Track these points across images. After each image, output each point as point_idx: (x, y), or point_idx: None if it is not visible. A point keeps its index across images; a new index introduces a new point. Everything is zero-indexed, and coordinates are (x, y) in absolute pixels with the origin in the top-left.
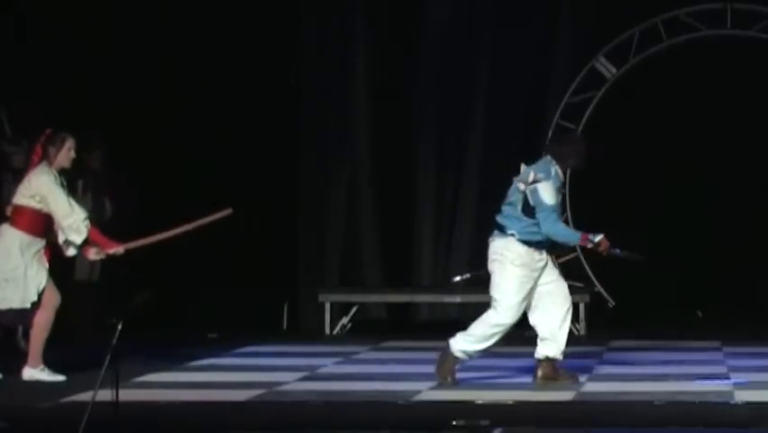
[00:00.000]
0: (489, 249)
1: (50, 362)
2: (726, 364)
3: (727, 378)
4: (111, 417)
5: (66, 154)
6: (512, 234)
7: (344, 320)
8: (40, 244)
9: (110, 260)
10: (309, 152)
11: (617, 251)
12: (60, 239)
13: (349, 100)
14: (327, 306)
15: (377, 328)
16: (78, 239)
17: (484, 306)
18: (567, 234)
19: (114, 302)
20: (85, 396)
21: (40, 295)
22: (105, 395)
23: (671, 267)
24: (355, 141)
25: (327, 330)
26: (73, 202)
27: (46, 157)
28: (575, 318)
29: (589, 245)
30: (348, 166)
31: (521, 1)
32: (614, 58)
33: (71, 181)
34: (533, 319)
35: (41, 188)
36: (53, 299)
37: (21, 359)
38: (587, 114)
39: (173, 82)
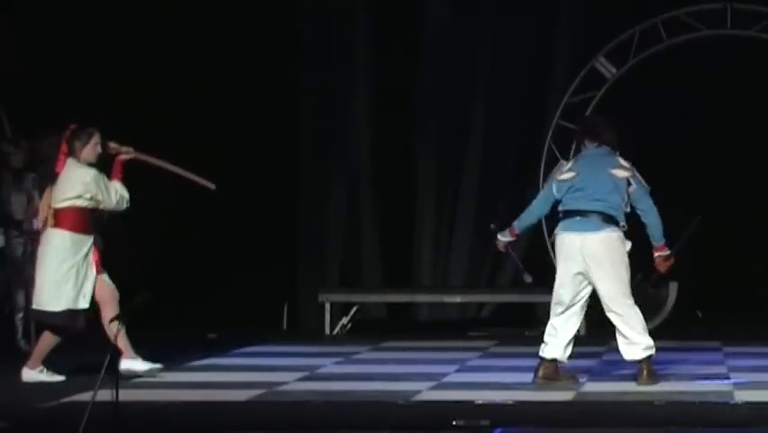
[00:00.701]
0: (594, 241)
1: (50, 362)
2: (726, 364)
3: (727, 378)
4: (111, 417)
5: (92, 149)
6: (623, 227)
7: (344, 320)
8: (89, 241)
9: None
10: (309, 152)
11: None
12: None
13: (349, 100)
14: (327, 306)
15: (377, 328)
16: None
17: (482, 306)
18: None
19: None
20: (85, 396)
21: (91, 297)
22: (105, 395)
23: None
24: (355, 141)
25: (327, 330)
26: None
27: (72, 152)
28: None
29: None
30: (348, 166)
31: (521, 2)
32: (614, 58)
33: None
34: (564, 319)
35: (93, 184)
36: (113, 293)
37: (21, 359)
38: (587, 114)
39: (173, 86)
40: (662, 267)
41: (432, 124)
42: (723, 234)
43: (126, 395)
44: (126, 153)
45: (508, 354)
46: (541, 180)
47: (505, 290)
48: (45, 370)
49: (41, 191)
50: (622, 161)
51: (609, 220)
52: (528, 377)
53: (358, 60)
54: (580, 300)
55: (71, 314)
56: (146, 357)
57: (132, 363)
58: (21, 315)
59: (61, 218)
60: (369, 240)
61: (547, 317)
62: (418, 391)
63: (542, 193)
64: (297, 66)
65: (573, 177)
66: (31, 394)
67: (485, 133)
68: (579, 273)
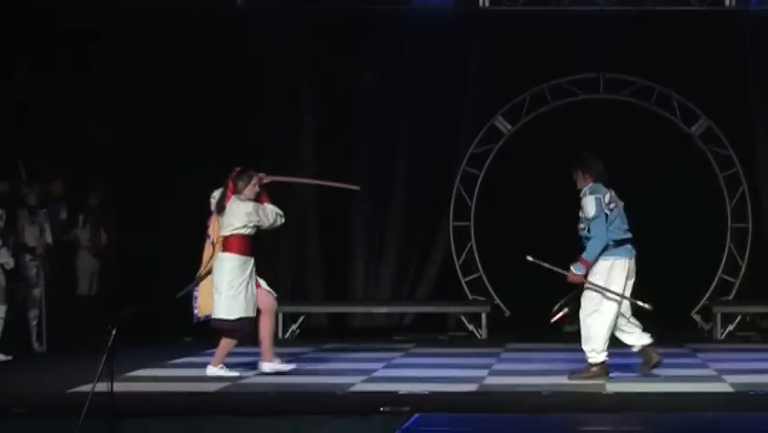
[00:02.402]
0: (630, 265)
1: (58, 359)
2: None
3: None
4: (107, 404)
5: (252, 188)
6: None
7: (294, 327)
8: (251, 262)
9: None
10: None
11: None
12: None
13: (298, 157)
14: (280, 315)
15: (320, 334)
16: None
17: (404, 315)
18: None
19: (110, 312)
20: (86, 387)
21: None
22: (102, 387)
23: (559, 283)
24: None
25: (280, 335)
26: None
27: (236, 190)
28: (478, 325)
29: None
30: (298, 206)
31: (436, 72)
32: (509, 117)
33: (75, 216)
34: (626, 320)
35: (253, 214)
36: (273, 304)
37: (33, 358)
38: (488, 162)
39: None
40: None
41: (365, 167)
42: None
43: (120, 387)
44: (265, 179)
45: (425, 354)
46: (451, 212)
47: (423, 302)
48: (224, 367)
49: (52, 223)
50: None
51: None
52: (442, 372)
53: (306, 119)
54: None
55: (243, 321)
56: (139, 356)
57: (276, 366)
58: (35, 322)
59: (230, 244)
60: (313, 262)
61: (457, 326)
62: (353, 384)
63: (600, 226)
64: (258, 127)
65: (614, 208)
66: (41, 385)
67: (406, 176)
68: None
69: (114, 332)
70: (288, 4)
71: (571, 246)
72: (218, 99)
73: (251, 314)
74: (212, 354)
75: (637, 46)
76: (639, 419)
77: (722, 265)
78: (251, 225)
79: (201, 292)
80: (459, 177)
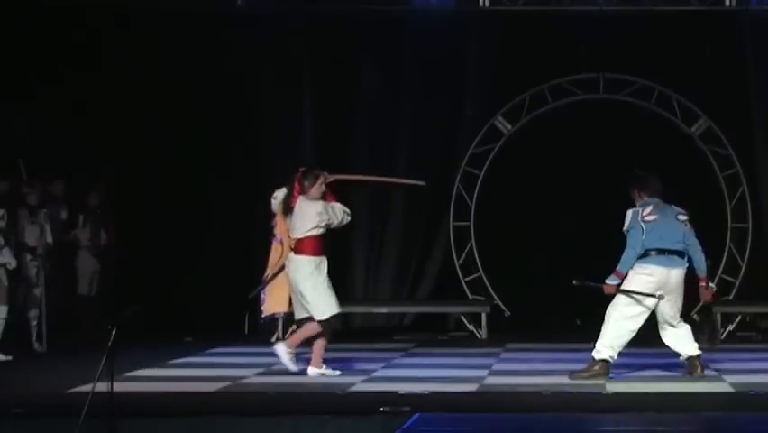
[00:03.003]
0: (673, 276)
1: (58, 359)
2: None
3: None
4: (107, 404)
5: (318, 187)
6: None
7: (293, 327)
8: (325, 260)
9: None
10: (265, 198)
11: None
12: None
13: (298, 144)
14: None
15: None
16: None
17: (404, 315)
18: None
19: (110, 313)
20: (86, 387)
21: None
22: (102, 386)
23: (561, 282)
24: None
25: (280, 335)
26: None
27: (303, 191)
28: (478, 325)
29: None
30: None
31: (436, 72)
32: (509, 117)
33: (75, 216)
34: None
35: (324, 213)
36: None
37: (33, 358)
38: (488, 162)
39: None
40: (706, 297)
41: (365, 169)
42: (600, 255)
43: (120, 387)
44: (329, 178)
45: (425, 354)
46: (451, 212)
47: (422, 302)
48: (326, 367)
49: (52, 223)
50: (681, 209)
51: (683, 257)
52: (442, 372)
53: (307, 119)
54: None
55: (333, 319)
56: (139, 356)
57: (323, 370)
58: (35, 322)
59: (304, 246)
60: None
61: (457, 326)
62: (353, 384)
63: (632, 237)
64: (258, 127)
65: (652, 220)
66: (41, 385)
67: (406, 176)
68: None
69: (114, 332)
70: (288, 4)
71: (571, 246)
72: (218, 99)
73: (338, 309)
74: (212, 354)
75: (637, 46)
76: (639, 419)
77: (722, 265)
78: (323, 224)
79: (268, 292)
80: (459, 177)
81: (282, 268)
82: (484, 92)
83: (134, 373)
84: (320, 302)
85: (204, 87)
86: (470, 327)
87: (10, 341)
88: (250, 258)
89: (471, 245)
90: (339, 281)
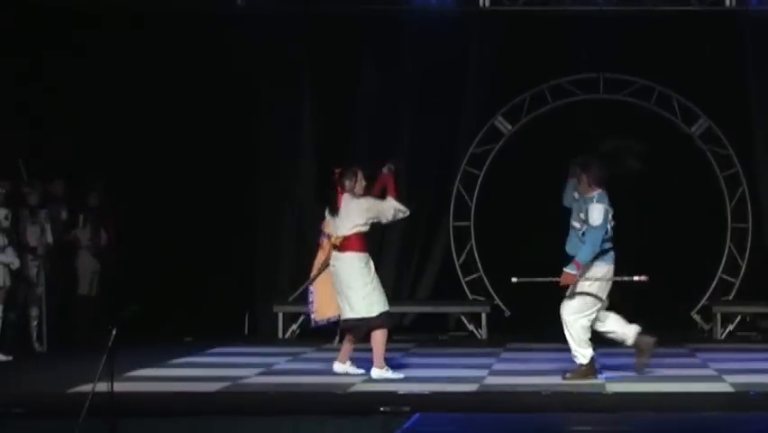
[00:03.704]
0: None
1: (58, 359)
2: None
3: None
4: (107, 404)
5: (359, 183)
6: None
7: (294, 327)
8: (370, 257)
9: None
10: (265, 198)
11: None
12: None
13: (298, 144)
14: (280, 315)
15: (320, 334)
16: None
17: (404, 315)
18: None
19: (110, 312)
20: (86, 387)
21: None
22: (102, 386)
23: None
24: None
25: (280, 335)
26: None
27: (344, 189)
28: (478, 325)
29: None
30: (296, 208)
31: (436, 72)
32: (509, 117)
33: (76, 216)
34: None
35: (371, 209)
36: None
37: (33, 358)
38: (488, 162)
39: (156, 142)
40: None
41: (363, 169)
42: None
43: (120, 387)
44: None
45: (425, 354)
46: (451, 212)
47: (423, 302)
48: (389, 368)
49: (52, 223)
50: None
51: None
52: (442, 372)
53: (306, 118)
54: None
55: (386, 315)
56: (139, 356)
57: (347, 368)
58: (35, 322)
59: (351, 243)
60: (312, 263)
61: (457, 326)
62: (353, 384)
63: (598, 236)
64: (259, 127)
65: (610, 217)
66: (41, 385)
67: (408, 177)
68: None
69: (114, 332)
70: (288, 4)
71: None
72: (218, 99)
73: (387, 308)
74: (212, 354)
75: (637, 46)
76: (639, 419)
77: (722, 265)
78: (370, 221)
79: (318, 296)
80: (459, 177)
81: (326, 266)
82: (484, 92)
83: (134, 373)
84: (371, 299)
85: (204, 86)
86: (470, 327)
87: (10, 341)
88: (250, 258)
89: (471, 245)
90: None
